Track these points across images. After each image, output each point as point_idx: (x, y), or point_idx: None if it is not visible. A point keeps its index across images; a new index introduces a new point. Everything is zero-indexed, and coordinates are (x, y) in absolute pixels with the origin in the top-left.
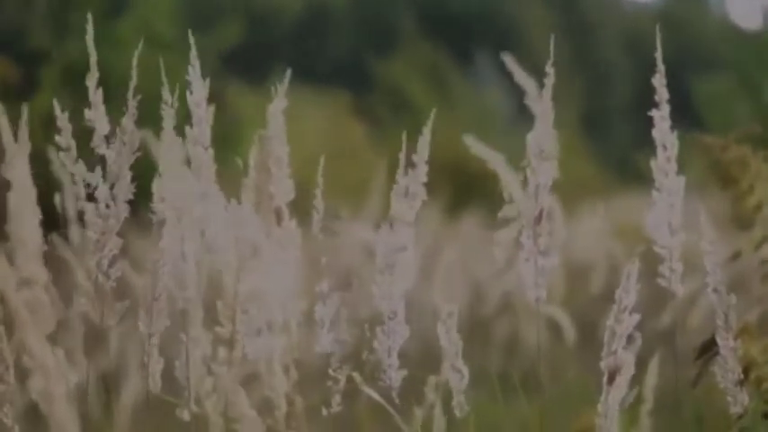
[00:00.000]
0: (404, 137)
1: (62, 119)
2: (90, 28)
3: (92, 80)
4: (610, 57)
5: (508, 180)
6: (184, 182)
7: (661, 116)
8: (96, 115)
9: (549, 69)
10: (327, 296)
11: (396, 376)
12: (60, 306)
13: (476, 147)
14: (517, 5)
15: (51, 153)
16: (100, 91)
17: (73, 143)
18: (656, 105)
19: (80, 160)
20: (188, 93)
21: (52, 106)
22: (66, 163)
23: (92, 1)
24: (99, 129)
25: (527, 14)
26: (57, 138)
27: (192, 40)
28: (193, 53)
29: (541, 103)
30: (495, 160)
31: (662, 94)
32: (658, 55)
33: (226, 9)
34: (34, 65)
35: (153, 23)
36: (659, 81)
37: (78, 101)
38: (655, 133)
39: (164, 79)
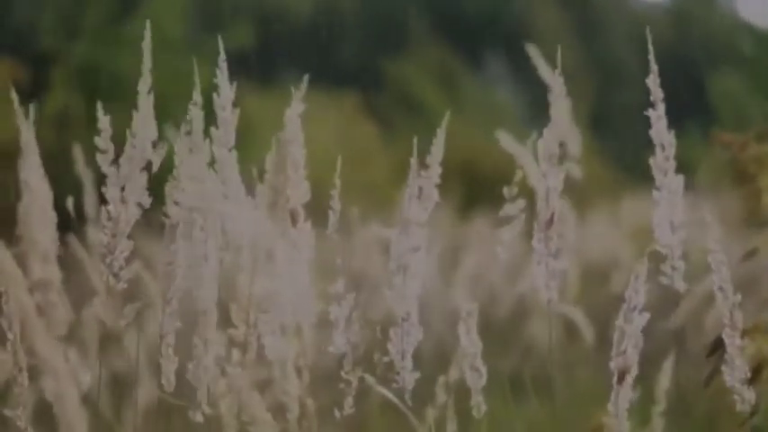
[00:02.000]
0: (415, 140)
1: (104, 121)
2: (148, 33)
3: (144, 85)
4: (620, 56)
5: (535, 176)
6: (208, 183)
7: (657, 116)
8: (144, 120)
9: (559, 78)
10: (342, 297)
11: (409, 378)
12: (72, 308)
13: (505, 141)
14: (527, 6)
15: (68, 154)
16: (151, 96)
17: (111, 146)
18: (651, 105)
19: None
20: (214, 95)
21: (63, 107)
22: (102, 164)
23: (101, 2)
24: (146, 134)
25: (537, 15)
26: (96, 139)
27: (220, 42)
28: (222, 56)
29: (553, 108)
30: (522, 155)
31: (656, 93)
32: (651, 56)
33: (236, 10)
34: (44, 66)
35: (162, 24)
36: (653, 81)
37: (89, 102)
38: (652, 133)
39: (195, 80)
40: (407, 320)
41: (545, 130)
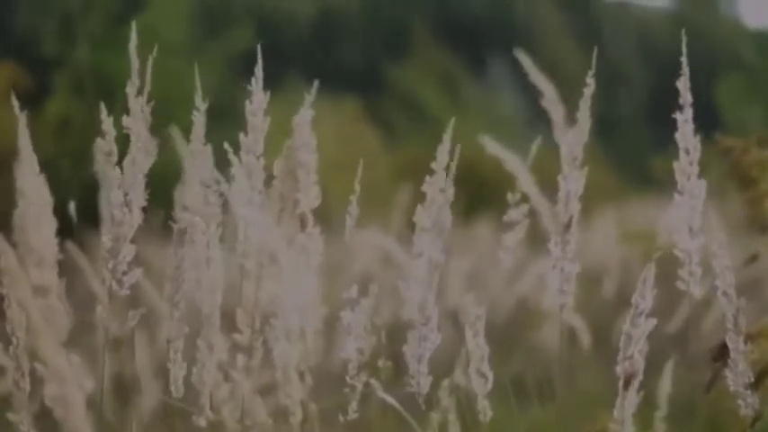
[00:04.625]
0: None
1: (107, 123)
2: (134, 36)
3: (132, 87)
4: (622, 60)
5: (524, 180)
6: (212, 188)
7: (684, 120)
8: (135, 123)
9: (590, 80)
10: (356, 302)
11: (424, 382)
12: (75, 313)
13: (492, 147)
14: (530, 11)
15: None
16: (141, 99)
17: (115, 148)
18: (679, 108)
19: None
20: (247, 102)
21: (64, 112)
22: (105, 167)
23: (102, 8)
24: (138, 136)
25: (540, 20)
26: (99, 141)
27: (259, 50)
28: (259, 64)
29: (578, 113)
30: (510, 160)
31: (686, 97)
32: (684, 58)
33: (238, 14)
34: (45, 71)
35: (164, 29)
36: (683, 84)
37: (90, 106)
38: (678, 137)
39: (197, 86)
40: (426, 325)
41: (570, 133)
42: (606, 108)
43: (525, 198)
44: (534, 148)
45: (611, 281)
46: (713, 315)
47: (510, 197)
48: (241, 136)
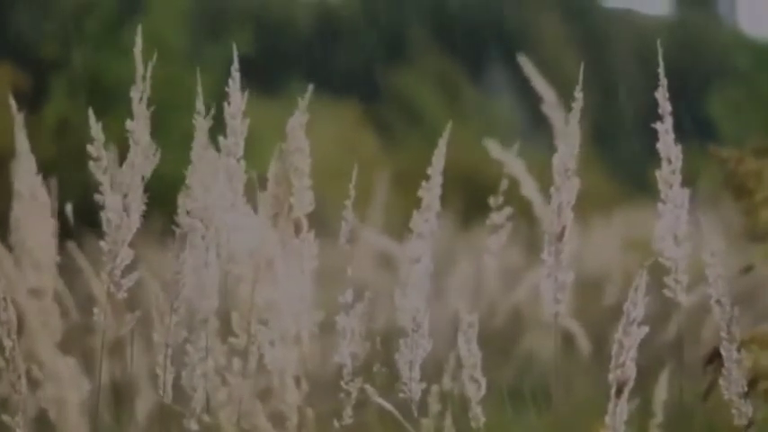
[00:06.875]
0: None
1: (96, 129)
2: (139, 40)
3: (137, 92)
4: (621, 69)
5: (527, 184)
6: (214, 193)
7: (665, 129)
8: (138, 127)
9: (578, 94)
10: (350, 307)
11: (416, 389)
12: (73, 315)
13: (495, 150)
14: (529, 16)
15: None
16: (144, 103)
17: (104, 153)
18: (659, 118)
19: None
20: (225, 104)
21: (63, 114)
22: (95, 172)
23: (101, 10)
24: (138, 140)
25: (539, 26)
26: (89, 147)
27: (234, 52)
28: (235, 65)
29: (568, 125)
30: (514, 165)
31: (665, 107)
32: (661, 70)
33: (237, 19)
34: (45, 74)
35: (163, 33)
36: (662, 95)
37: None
38: (659, 146)
39: (199, 90)
40: (417, 331)
41: (561, 144)
42: (605, 116)
43: (509, 201)
44: (514, 151)
45: (611, 288)
46: (710, 323)
47: (492, 201)
48: (221, 139)
